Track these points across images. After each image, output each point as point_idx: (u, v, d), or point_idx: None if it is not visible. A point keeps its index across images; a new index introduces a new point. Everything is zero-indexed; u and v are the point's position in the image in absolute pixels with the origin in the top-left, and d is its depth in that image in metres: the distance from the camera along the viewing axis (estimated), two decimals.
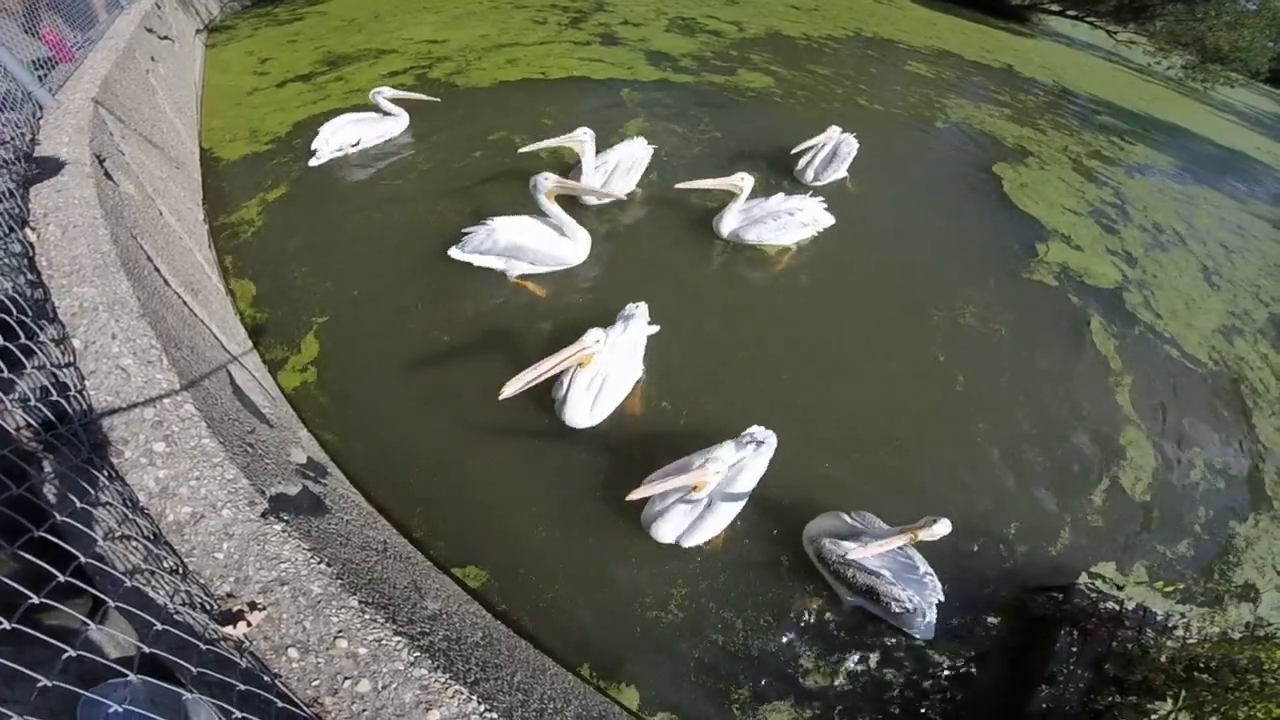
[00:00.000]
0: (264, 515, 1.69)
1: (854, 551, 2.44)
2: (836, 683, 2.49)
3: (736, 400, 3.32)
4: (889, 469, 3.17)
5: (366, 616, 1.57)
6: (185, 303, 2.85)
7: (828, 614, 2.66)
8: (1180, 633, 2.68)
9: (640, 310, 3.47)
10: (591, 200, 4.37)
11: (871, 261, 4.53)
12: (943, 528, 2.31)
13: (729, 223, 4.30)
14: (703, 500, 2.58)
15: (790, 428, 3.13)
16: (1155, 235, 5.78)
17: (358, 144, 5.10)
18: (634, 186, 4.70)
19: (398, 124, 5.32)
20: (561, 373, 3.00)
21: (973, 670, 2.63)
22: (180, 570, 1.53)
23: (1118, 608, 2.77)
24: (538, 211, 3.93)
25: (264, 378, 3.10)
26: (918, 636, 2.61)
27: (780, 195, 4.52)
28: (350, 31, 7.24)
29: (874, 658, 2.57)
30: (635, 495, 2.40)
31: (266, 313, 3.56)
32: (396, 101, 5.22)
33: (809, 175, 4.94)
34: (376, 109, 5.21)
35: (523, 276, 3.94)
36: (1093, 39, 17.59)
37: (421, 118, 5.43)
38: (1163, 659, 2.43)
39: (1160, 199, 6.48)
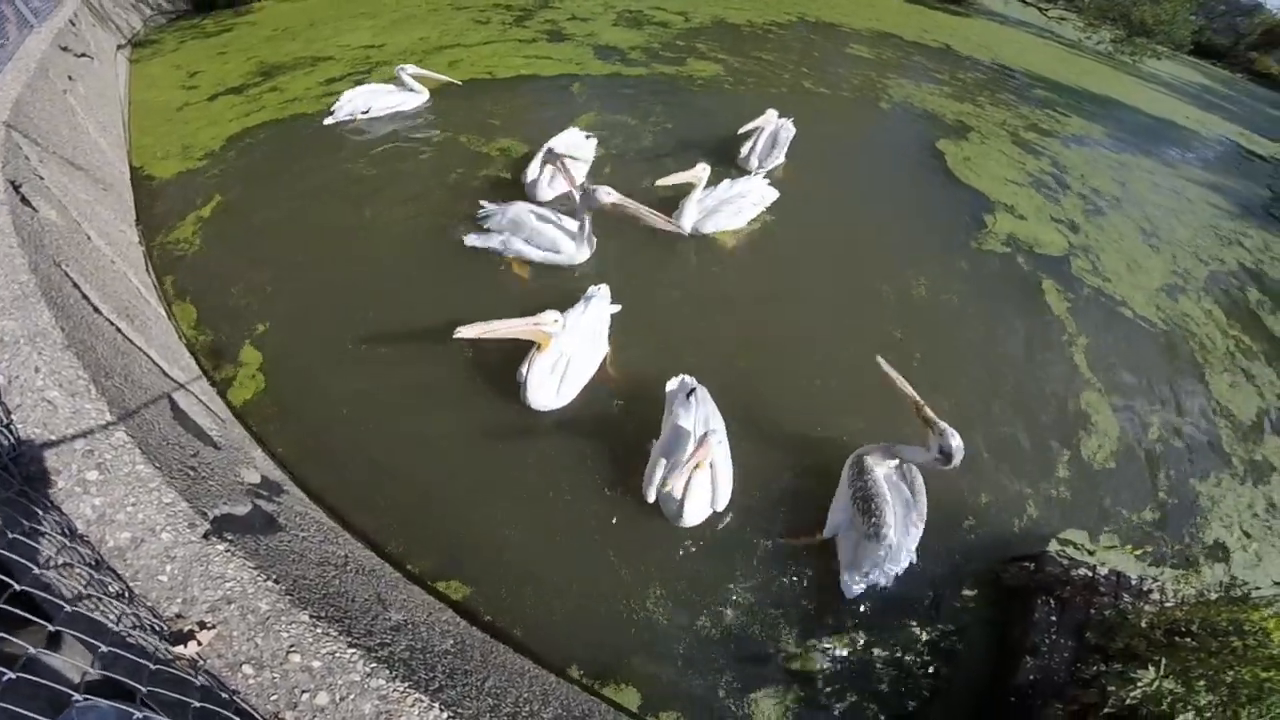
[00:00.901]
0: (205, 536, 1.69)
1: None
2: (823, 666, 2.51)
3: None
4: (854, 449, 3.20)
5: (319, 630, 1.58)
6: (119, 330, 2.73)
7: (809, 599, 2.67)
8: (1157, 596, 2.68)
9: (601, 291, 3.52)
10: (659, 224, 3.94)
11: (823, 243, 4.60)
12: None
13: (690, 215, 4.32)
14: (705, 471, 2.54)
15: (750, 412, 3.17)
16: (1094, 201, 6.01)
17: (368, 111, 5.42)
18: (582, 179, 4.65)
19: (415, 99, 5.63)
20: (524, 356, 3.05)
21: (956, 645, 2.66)
22: (126, 594, 1.53)
23: (1091, 574, 2.76)
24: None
25: (212, 400, 3.00)
26: (868, 580, 2.54)
27: (727, 181, 4.58)
28: (283, 40, 7.02)
29: (859, 639, 2.60)
30: (649, 479, 2.63)
31: (211, 333, 3.44)
32: (418, 79, 5.53)
33: (753, 162, 5.00)
34: (399, 84, 5.55)
35: (518, 259, 4.00)
36: (1025, 16, 18.17)
37: (353, 123, 5.34)
38: (1143, 624, 2.42)
39: (1096, 167, 6.75)
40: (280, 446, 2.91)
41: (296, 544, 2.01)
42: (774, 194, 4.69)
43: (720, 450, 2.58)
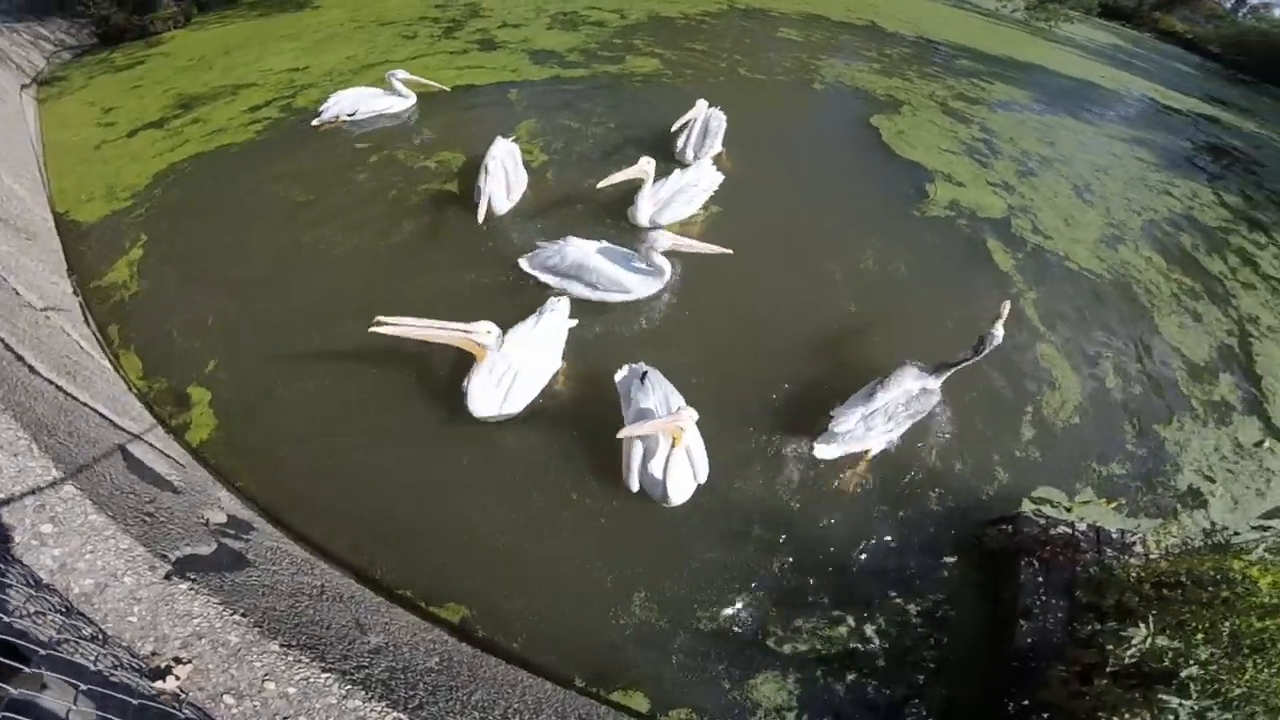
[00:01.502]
0: (168, 577, 1.75)
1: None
2: (818, 646, 2.55)
3: None
4: (819, 429, 3.24)
5: (290, 658, 1.65)
6: (59, 388, 2.63)
7: (796, 580, 2.72)
8: (1140, 549, 2.64)
9: (560, 305, 3.47)
10: (700, 249, 3.88)
11: (769, 227, 4.68)
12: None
13: (645, 210, 4.35)
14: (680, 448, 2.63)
15: (710, 396, 3.21)
16: (1025, 163, 6.27)
17: (354, 114, 5.49)
18: (525, 187, 4.64)
19: (403, 103, 5.67)
20: (469, 364, 3.02)
21: (949, 613, 2.70)
22: (100, 637, 1.58)
23: (1070, 531, 2.74)
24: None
25: (169, 446, 2.92)
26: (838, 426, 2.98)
27: (677, 172, 4.63)
28: (200, 70, 6.76)
29: (850, 616, 2.64)
30: (629, 470, 2.69)
31: (162, 380, 3.33)
32: (408, 83, 5.57)
33: (689, 155, 5.04)
34: (388, 88, 5.58)
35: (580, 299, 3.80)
36: None
37: (285, 149, 5.19)
38: (1131, 578, 2.40)
39: (1024, 130, 7.05)
40: (246, 483, 2.87)
41: (266, 578, 2.04)
42: (720, 177, 4.76)
43: (692, 423, 2.65)
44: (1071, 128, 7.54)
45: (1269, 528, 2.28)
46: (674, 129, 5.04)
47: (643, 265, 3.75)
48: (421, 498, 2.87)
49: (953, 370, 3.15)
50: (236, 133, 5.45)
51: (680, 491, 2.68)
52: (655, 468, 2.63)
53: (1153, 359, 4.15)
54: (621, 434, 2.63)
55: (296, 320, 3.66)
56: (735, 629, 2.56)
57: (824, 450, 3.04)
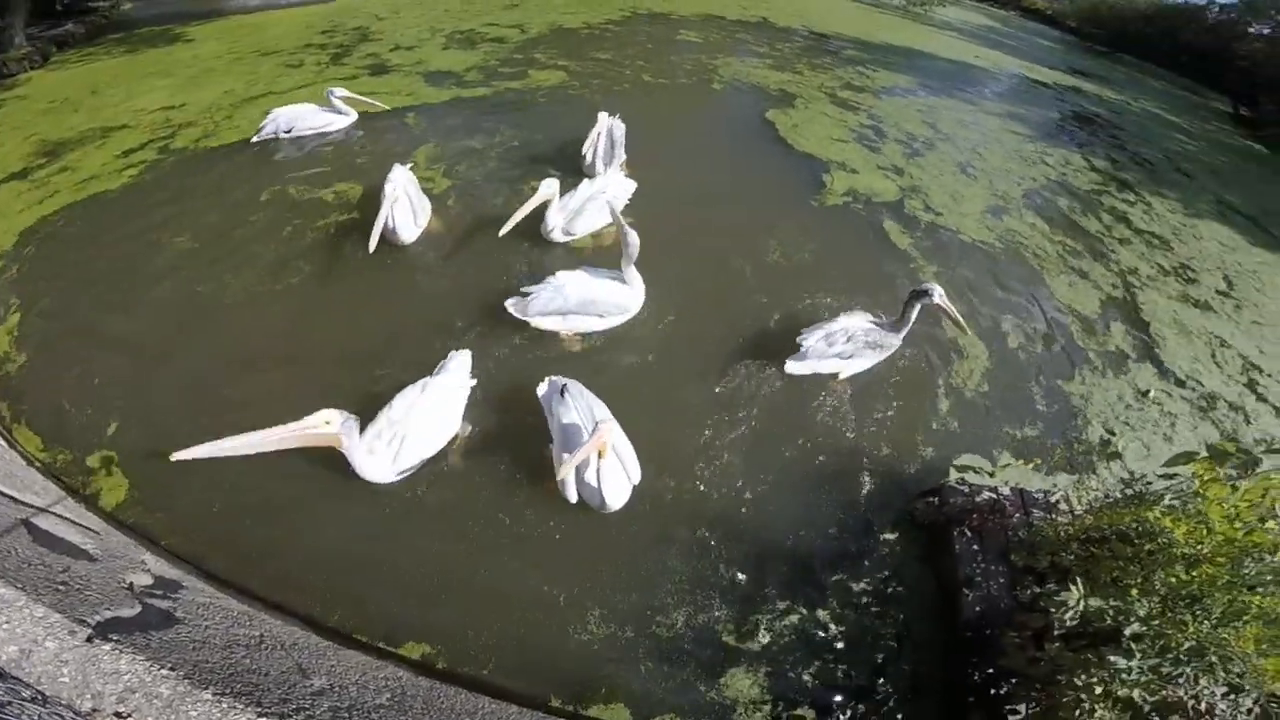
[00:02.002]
0: (89, 640, 1.83)
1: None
2: (777, 636, 2.61)
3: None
4: (751, 433, 3.38)
5: (224, 705, 1.76)
6: None
7: (741, 575, 2.79)
8: (1064, 506, 2.64)
9: (458, 359, 3.29)
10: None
11: (676, 229, 4.74)
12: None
13: (555, 222, 4.35)
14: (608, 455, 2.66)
15: (635, 404, 3.28)
16: (911, 145, 6.68)
17: (290, 131, 5.47)
18: (429, 215, 4.54)
19: (343, 120, 5.68)
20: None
21: (899, 589, 2.79)
22: (40, 698, 1.64)
23: (995, 496, 2.77)
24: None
25: (81, 515, 2.77)
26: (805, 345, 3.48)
27: (585, 182, 4.66)
28: (64, 113, 6.24)
29: (803, 604, 2.71)
30: (564, 482, 2.72)
31: (65, 450, 3.13)
32: (347, 101, 5.56)
33: (598, 168, 5.09)
34: (327, 105, 5.56)
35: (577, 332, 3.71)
36: None
37: (166, 193, 4.90)
38: (1060, 537, 2.40)
39: (907, 114, 7.49)
40: (171, 541, 2.76)
41: (197, 633, 2.11)
42: (633, 185, 4.82)
43: (616, 431, 2.71)
44: (951, 108, 8.07)
45: (1174, 475, 2.20)
46: (584, 151, 5.06)
47: (622, 279, 3.75)
48: (356, 539, 2.80)
49: (904, 320, 3.53)
50: (111, 179, 5.08)
51: (617, 496, 2.74)
52: (590, 477, 2.69)
53: (1049, 319, 4.45)
54: (561, 476, 2.67)
55: (198, 373, 3.49)
56: (696, 631, 2.62)
57: (794, 367, 3.52)
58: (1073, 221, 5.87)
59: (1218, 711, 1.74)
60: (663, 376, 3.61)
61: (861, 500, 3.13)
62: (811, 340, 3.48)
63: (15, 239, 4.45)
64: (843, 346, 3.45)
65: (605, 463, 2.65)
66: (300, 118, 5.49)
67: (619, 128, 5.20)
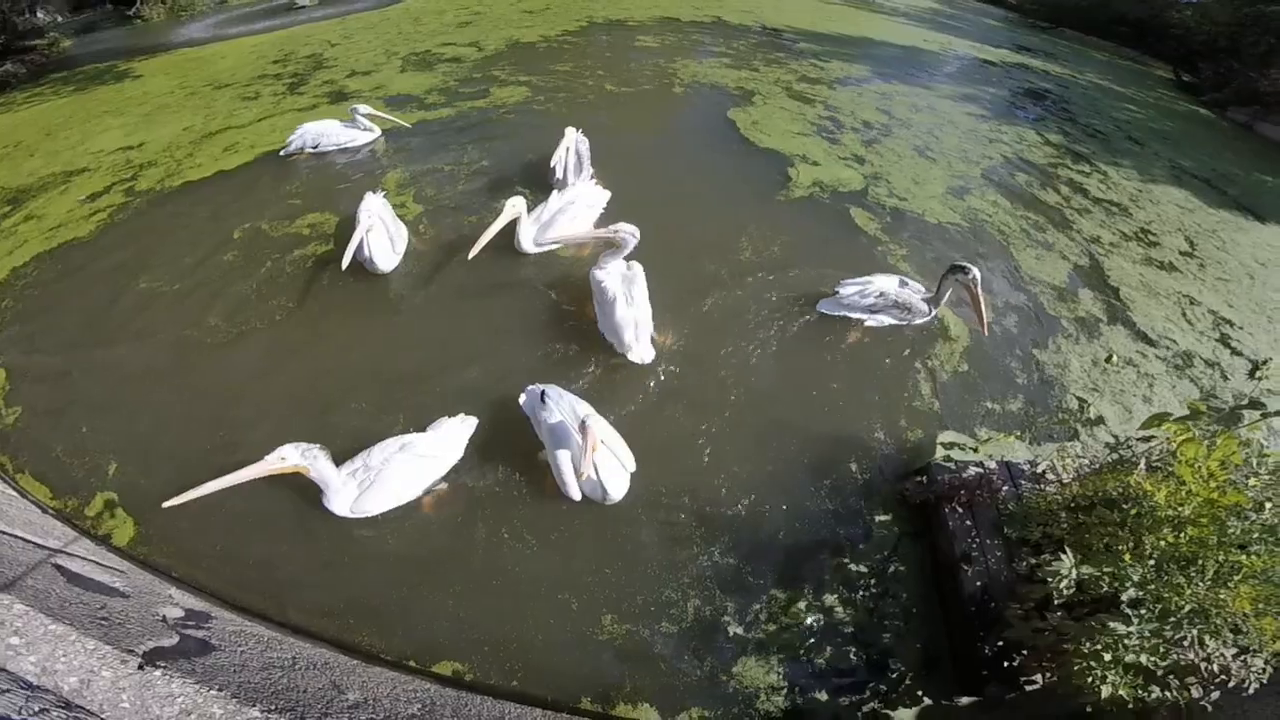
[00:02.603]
0: (141, 668, 1.93)
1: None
2: (787, 623, 2.68)
3: None
4: (742, 425, 3.46)
5: None
6: None
7: (744, 566, 2.86)
8: (1051, 475, 2.65)
9: (454, 427, 3.22)
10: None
11: (646, 236, 4.72)
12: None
13: (527, 234, 4.41)
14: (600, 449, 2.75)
15: (619, 404, 3.39)
16: (868, 133, 6.83)
17: (317, 146, 5.63)
18: (405, 242, 4.56)
19: (367, 136, 5.83)
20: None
21: (899, 567, 2.87)
22: None
23: (982, 470, 2.81)
24: None
25: (104, 556, 2.83)
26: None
27: (555, 194, 4.71)
28: (20, 158, 6.14)
29: (809, 589, 2.78)
30: (567, 482, 2.85)
31: (74, 496, 3.17)
32: (370, 118, 5.73)
33: (568, 183, 5.10)
34: (352, 122, 5.72)
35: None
36: None
37: (138, 237, 4.86)
38: (1049, 507, 2.42)
39: (862, 102, 7.65)
40: (192, 575, 2.83)
41: (235, 658, 2.20)
42: (606, 194, 4.87)
43: (602, 425, 2.83)
44: (905, 93, 8.26)
45: (1151, 437, 2.21)
46: (552, 166, 5.09)
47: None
48: (377, 558, 2.88)
49: (939, 294, 3.81)
50: (79, 225, 5.01)
51: (618, 486, 2.87)
52: (588, 473, 2.79)
53: (1020, 291, 4.60)
54: (583, 475, 2.77)
55: (187, 415, 3.51)
56: (706, 625, 2.69)
57: (826, 306, 4.05)
58: (1033, 195, 6.07)
59: (1233, 671, 1.75)
60: (644, 377, 3.68)
61: (852, 485, 3.23)
62: (848, 290, 3.90)
63: None
64: (874, 301, 3.82)
65: (600, 456, 2.77)
66: (326, 134, 5.63)
67: (582, 140, 5.26)
